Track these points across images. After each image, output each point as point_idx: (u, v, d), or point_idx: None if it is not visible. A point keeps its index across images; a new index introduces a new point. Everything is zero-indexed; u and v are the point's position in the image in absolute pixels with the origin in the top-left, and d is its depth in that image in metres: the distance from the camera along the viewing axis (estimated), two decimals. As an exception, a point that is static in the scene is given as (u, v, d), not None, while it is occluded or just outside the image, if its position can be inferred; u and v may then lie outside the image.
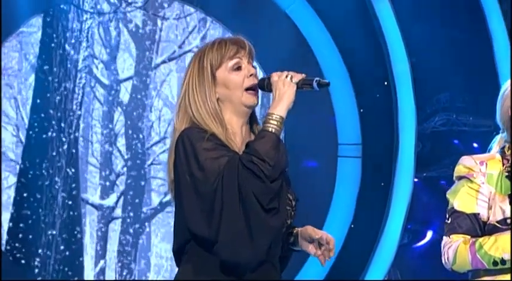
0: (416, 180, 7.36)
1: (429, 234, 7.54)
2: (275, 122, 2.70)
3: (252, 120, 2.84)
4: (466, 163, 3.08)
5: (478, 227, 3.02)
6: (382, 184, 7.35)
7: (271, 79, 2.76)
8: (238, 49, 2.80)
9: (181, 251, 2.73)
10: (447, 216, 3.08)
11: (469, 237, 3.02)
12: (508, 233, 2.96)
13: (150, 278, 7.62)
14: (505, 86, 3.15)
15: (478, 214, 3.03)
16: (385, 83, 7.37)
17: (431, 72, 7.34)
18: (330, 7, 7.35)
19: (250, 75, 2.79)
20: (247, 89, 2.79)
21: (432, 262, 7.45)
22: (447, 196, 3.11)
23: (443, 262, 3.05)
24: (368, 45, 7.40)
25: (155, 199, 7.68)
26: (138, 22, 8.18)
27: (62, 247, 7.25)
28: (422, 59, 7.32)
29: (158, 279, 7.82)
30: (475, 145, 7.39)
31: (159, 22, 8.19)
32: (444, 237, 3.05)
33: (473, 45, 7.32)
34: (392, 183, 7.29)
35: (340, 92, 7.42)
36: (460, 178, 3.10)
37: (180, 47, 8.16)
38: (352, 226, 7.32)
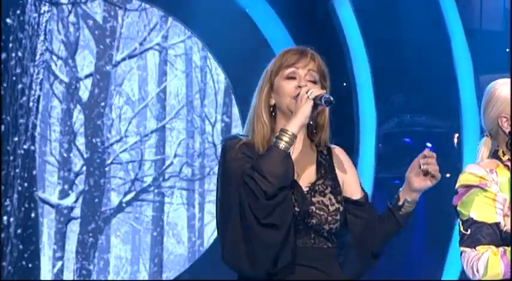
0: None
1: None
2: (286, 139, 2.78)
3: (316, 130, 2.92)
4: (476, 172, 3.05)
5: (500, 237, 3.01)
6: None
7: (299, 93, 2.85)
8: (298, 58, 2.91)
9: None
10: (463, 227, 3.04)
11: (494, 247, 2.99)
12: None
13: (109, 279, 7.56)
14: (490, 90, 3.16)
15: (499, 223, 3.01)
16: (344, 84, 7.37)
17: (388, 73, 7.36)
18: (289, 7, 7.33)
19: (300, 87, 2.87)
20: (296, 97, 2.85)
21: (390, 261, 7.47)
22: (458, 207, 3.07)
23: (470, 274, 3.02)
24: (328, 46, 7.31)
25: (115, 199, 7.61)
26: (98, 18, 8.08)
27: (18, 248, 7.18)
28: (379, 60, 7.34)
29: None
30: (428, 144, 7.38)
31: (119, 19, 8.09)
32: (466, 249, 3.02)
33: (431, 46, 7.33)
34: None
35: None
36: (469, 186, 3.06)
37: (141, 44, 8.07)
38: None
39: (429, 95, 7.39)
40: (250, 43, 7.37)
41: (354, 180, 3.03)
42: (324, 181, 2.93)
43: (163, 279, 7.59)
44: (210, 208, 7.62)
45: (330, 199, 2.89)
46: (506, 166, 3.08)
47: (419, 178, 3.03)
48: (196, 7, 7.34)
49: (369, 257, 3.00)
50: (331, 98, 2.85)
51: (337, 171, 2.98)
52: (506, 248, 2.98)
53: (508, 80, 3.14)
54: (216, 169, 7.47)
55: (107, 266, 7.58)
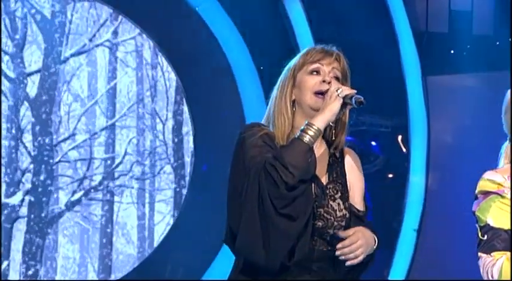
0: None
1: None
2: (311, 133, 2.77)
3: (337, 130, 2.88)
4: (494, 179, 3.08)
5: None
6: None
7: (329, 89, 2.85)
8: (323, 56, 2.92)
9: (230, 243, 2.83)
10: (481, 233, 3.06)
11: (509, 253, 3.02)
12: None
13: (56, 279, 7.51)
14: (508, 96, 3.16)
15: None
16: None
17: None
18: (240, 6, 7.35)
19: (324, 81, 2.87)
20: (316, 93, 2.85)
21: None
22: (476, 213, 3.09)
23: (485, 279, 3.04)
24: (278, 46, 7.40)
25: (63, 198, 7.52)
26: (46, 13, 7.99)
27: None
28: None
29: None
30: (373, 143, 7.45)
31: (68, 14, 8.01)
32: (483, 254, 3.05)
33: (379, 47, 7.40)
34: None
35: (249, 92, 7.43)
36: (487, 193, 3.08)
37: (90, 40, 8.00)
38: None
39: (377, 95, 7.46)
40: (200, 41, 7.39)
41: (359, 190, 3.00)
42: (335, 185, 2.92)
43: (113, 280, 7.56)
44: (160, 207, 7.58)
45: (338, 204, 2.88)
46: None
47: None
48: (146, 5, 7.32)
49: (359, 265, 2.97)
50: (363, 99, 2.84)
51: (347, 176, 2.97)
52: None
53: None
54: (166, 168, 7.54)
55: (54, 266, 7.52)
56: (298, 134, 2.78)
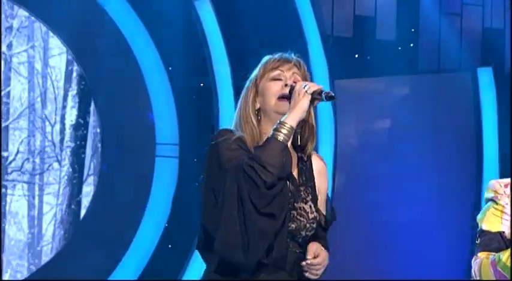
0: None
1: None
2: (285, 131, 2.84)
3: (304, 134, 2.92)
4: (492, 187, 3.32)
5: (504, 245, 3.24)
6: (197, 184, 7.39)
7: (295, 88, 2.91)
8: (282, 63, 3.01)
9: (203, 248, 2.91)
10: (477, 237, 3.32)
11: (492, 253, 3.23)
12: None
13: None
14: None
15: (503, 232, 3.25)
16: (201, 84, 7.50)
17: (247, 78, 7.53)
18: (149, 6, 7.37)
19: (286, 85, 2.94)
20: (279, 98, 2.94)
21: None
22: (477, 219, 3.34)
23: (472, 278, 3.27)
24: (188, 46, 7.48)
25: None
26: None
27: None
28: (240, 61, 7.46)
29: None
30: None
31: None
32: (475, 256, 3.29)
33: (288, 48, 7.53)
34: None
35: (158, 92, 7.47)
36: (488, 200, 3.34)
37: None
38: (167, 224, 7.42)
39: None
40: (109, 41, 7.37)
41: (325, 196, 3.07)
42: (306, 188, 2.98)
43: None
44: (48, 199, 7.90)
45: (310, 206, 2.95)
46: None
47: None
48: (55, 3, 7.30)
49: None
50: (332, 93, 2.91)
51: (315, 180, 3.03)
52: (499, 254, 3.19)
53: None
54: (54, 165, 7.74)
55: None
56: (271, 133, 2.85)
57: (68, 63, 7.69)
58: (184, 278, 7.44)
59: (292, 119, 2.86)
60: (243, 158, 2.83)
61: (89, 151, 7.75)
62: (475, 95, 8.16)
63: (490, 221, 3.30)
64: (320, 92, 2.90)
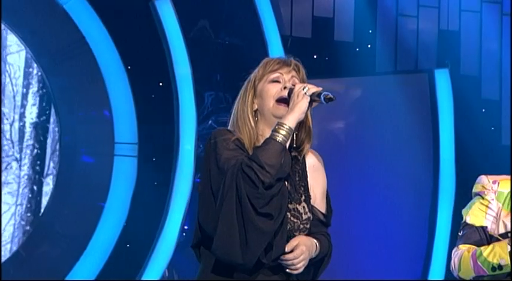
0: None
1: None
2: (284, 132, 2.86)
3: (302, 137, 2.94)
4: (480, 182, 3.46)
5: (486, 240, 3.35)
6: (155, 183, 7.53)
7: (294, 89, 2.93)
8: (282, 66, 3.02)
9: (199, 246, 2.92)
10: (460, 229, 3.43)
11: (473, 247, 3.33)
12: (505, 240, 3.27)
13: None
14: None
15: (486, 227, 3.36)
16: (160, 83, 7.53)
17: (207, 74, 7.63)
18: (109, 6, 7.39)
19: (285, 88, 2.95)
20: (278, 101, 2.96)
21: None
22: (462, 212, 3.45)
23: (451, 269, 3.37)
24: (147, 45, 7.51)
25: None
26: None
27: None
28: (198, 63, 7.57)
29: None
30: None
31: None
32: (456, 248, 3.40)
33: (250, 49, 7.63)
34: (172, 183, 7.47)
35: (117, 91, 7.49)
36: (475, 194, 3.45)
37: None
38: (125, 224, 7.44)
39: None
40: (68, 39, 7.39)
41: (320, 192, 3.07)
42: (299, 188, 2.99)
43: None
44: (7, 198, 7.77)
45: (304, 207, 2.96)
46: None
47: None
48: (14, 2, 7.28)
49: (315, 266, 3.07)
50: (331, 95, 2.93)
51: (309, 179, 3.04)
52: (481, 248, 3.29)
53: None
54: (14, 165, 7.67)
55: None
56: (270, 134, 2.87)
57: (28, 61, 7.66)
58: (143, 278, 7.46)
59: (291, 121, 2.88)
60: (241, 158, 2.84)
61: (49, 149, 7.69)
62: (431, 96, 8.26)
63: (475, 215, 3.38)
64: (319, 94, 2.92)
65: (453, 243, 7.49)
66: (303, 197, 3.00)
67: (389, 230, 7.80)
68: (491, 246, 3.28)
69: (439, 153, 8.27)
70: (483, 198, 3.42)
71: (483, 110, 8.34)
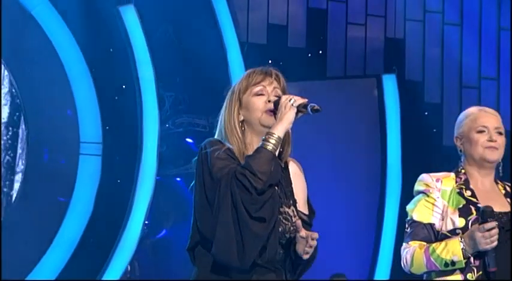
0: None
1: (165, 228, 8.05)
2: (273, 141, 3.01)
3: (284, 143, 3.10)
4: (424, 180, 3.55)
5: (433, 236, 3.46)
6: (119, 181, 7.76)
7: (280, 100, 3.06)
8: (264, 77, 3.14)
9: (194, 250, 3.06)
10: (406, 226, 3.53)
11: (424, 243, 3.45)
12: (456, 237, 3.41)
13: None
14: (463, 112, 3.65)
15: (434, 224, 3.48)
16: (123, 86, 7.78)
17: (169, 78, 7.89)
18: (75, 12, 7.61)
19: (270, 101, 3.08)
20: (265, 111, 3.08)
21: (168, 253, 7.91)
22: (407, 209, 3.55)
23: (402, 265, 3.49)
24: (113, 49, 7.73)
25: None
26: None
27: None
28: (163, 66, 7.82)
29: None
30: (189, 140, 8.00)
31: None
32: (404, 244, 3.51)
33: (211, 55, 7.92)
34: (135, 180, 7.69)
35: (82, 93, 7.71)
36: (419, 192, 3.54)
37: None
38: (90, 219, 7.61)
39: (206, 98, 7.92)
40: (35, 44, 7.55)
41: (303, 196, 3.24)
42: (286, 193, 3.14)
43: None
44: None
45: (293, 210, 3.13)
46: (459, 177, 3.56)
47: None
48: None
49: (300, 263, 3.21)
50: (318, 107, 3.06)
51: (293, 185, 3.21)
52: (433, 245, 3.43)
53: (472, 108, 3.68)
54: None
55: None
56: (261, 143, 3.01)
57: None
58: (108, 270, 7.59)
59: (280, 130, 3.02)
60: (234, 166, 2.99)
61: (19, 149, 7.76)
62: (379, 99, 8.58)
63: (422, 212, 3.50)
64: (305, 106, 3.05)
65: (400, 239, 7.55)
66: (291, 201, 3.15)
67: (339, 229, 7.95)
68: (443, 243, 3.41)
69: (387, 153, 8.56)
70: (428, 196, 3.51)
71: (426, 113, 8.67)
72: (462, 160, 3.62)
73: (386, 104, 8.57)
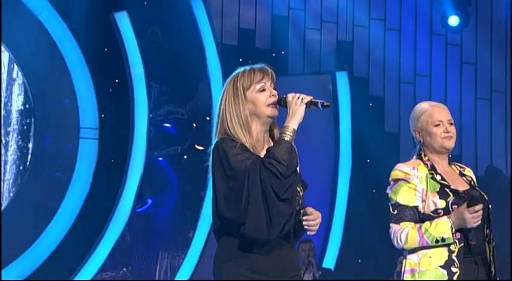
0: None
1: (149, 200, 8.79)
2: (290, 133, 3.31)
3: (272, 128, 3.49)
4: (402, 169, 3.80)
5: (417, 217, 3.74)
6: (112, 160, 8.44)
7: (287, 99, 3.39)
8: (263, 76, 3.49)
9: (218, 231, 3.41)
10: (392, 209, 3.79)
11: (413, 224, 3.73)
12: (444, 218, 3.70)
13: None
14: (417, 108, 3.89)
15: (417, 206, 3.76)
16: (117, 80, 8.52)
17: (157, 74, 8.59)
18: (75, 17, 8.32)
19: (272, 95, 3.46)
20: (269, 105, 3.41)
21: (152, 221, 8.62)
22: (389, 195, 3.81)
23: (395, 243, 3.75)
24: (108, 48, 8.46)
25: None
26: None
27: None
28: (150, 62, 8.59)
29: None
30: (167, 125, 8.70)
31: None
32: (393, 225, 3.75)
33: (191, 54, 8.70)
34: (128, 160, 8.41)
35: (82, 86, 8.45)
36: (398, 180, 3.79)
37: None
38: (88, 193, 8.28)
39: (186, 90, 8.77)
40: (41, 43, 8.25)
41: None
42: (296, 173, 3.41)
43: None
44: None
45: (300, 187, 3.47)
46: (425, 164, 3.82)
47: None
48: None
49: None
50: (327, 103, 3.40)
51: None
52: (421, 224, 3.69)
53: (423, 103, 3.96)
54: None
55: None
56: (279, 135, 3.31)
57: (11, 60, 8.36)
58: (104, 238, 8.29)
59: (294, 123, 3.33)
60: (254, 157, 3.27)
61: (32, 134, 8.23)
62: (334, 93, 9.27)
63: (406, 197, 3.74)
64: (314, 102, 3.38)
65: (350, 214, 7.71)
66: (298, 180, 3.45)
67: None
68: (434, 223, 3.66)
69: (339, 140, 9.21)
70: (409, 182, 3.74)
71: (370, 104, 9.39)
72: (421, 148, 3.88)
73: (339, 96, 9.23)
